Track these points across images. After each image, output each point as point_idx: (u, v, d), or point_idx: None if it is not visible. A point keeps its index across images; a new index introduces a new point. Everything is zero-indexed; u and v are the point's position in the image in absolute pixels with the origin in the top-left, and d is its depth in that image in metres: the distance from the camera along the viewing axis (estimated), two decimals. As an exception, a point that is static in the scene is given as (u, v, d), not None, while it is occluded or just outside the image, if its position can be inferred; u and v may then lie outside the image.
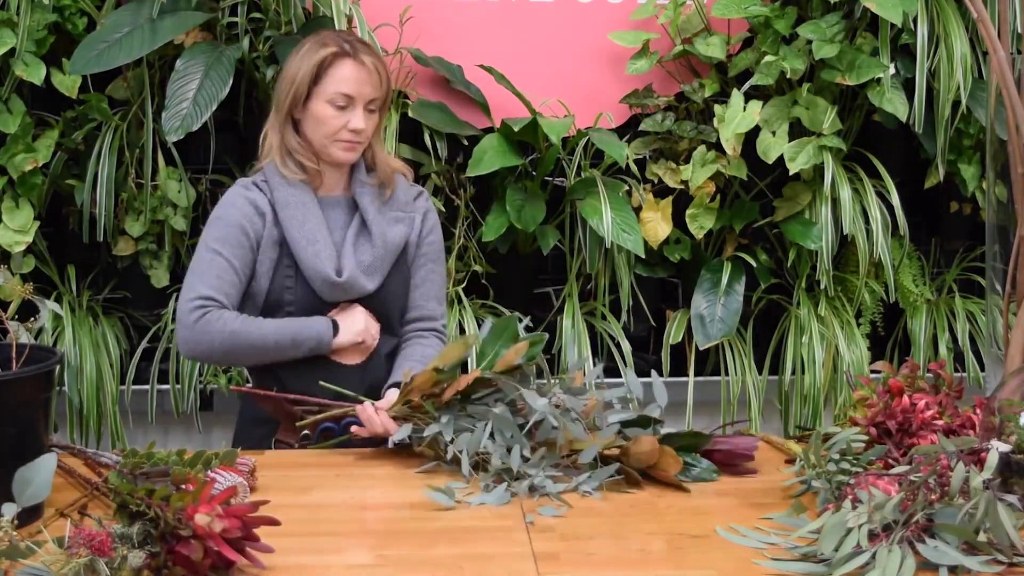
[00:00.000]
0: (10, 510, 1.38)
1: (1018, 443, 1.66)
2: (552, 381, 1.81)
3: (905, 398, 1.77)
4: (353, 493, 1.71)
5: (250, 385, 2.15)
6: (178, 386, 2.82)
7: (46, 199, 2.80)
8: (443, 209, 2.83)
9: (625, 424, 1.77)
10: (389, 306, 2.16)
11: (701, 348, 2.94)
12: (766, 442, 1.96)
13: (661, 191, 2.99)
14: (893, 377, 1.81)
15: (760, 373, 3.02)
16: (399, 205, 2.18)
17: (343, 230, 2.14)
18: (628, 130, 3.02)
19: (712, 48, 2.89)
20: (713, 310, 2.94)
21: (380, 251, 2.12)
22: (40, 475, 1.41)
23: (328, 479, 1.77)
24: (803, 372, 2.95)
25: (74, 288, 2.87)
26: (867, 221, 2.92)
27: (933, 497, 1.42)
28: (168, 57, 2.76)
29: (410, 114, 2.83)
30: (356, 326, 2.09)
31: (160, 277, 2.86)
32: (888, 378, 1.81)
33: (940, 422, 1.75)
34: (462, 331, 2.75)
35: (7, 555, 1.31)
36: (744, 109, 2.85)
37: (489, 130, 2.88)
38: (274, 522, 1.42)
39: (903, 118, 2.84)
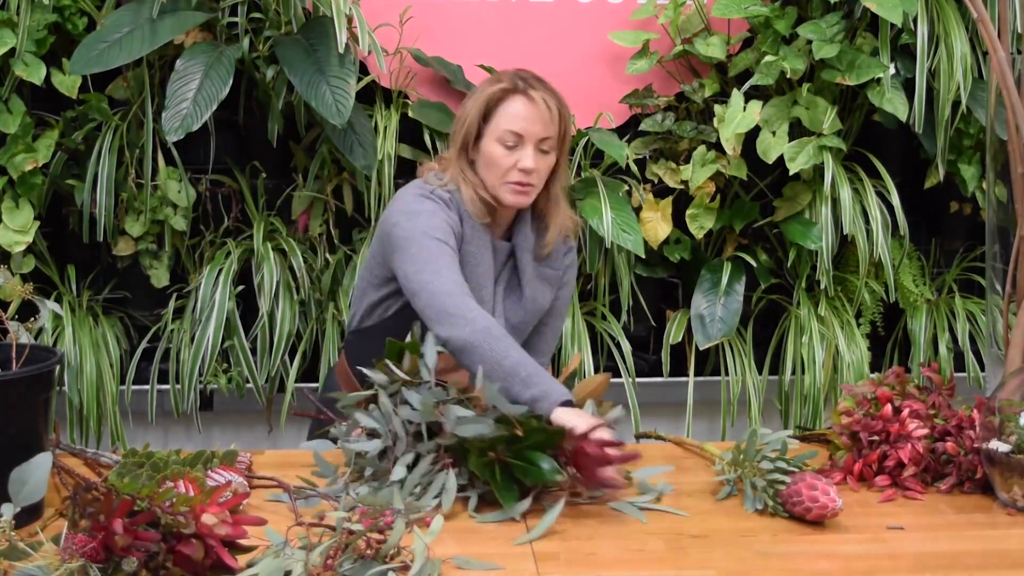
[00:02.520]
0: (9, 510, 1.38)
1: (1018, 443, 1.66)
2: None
3: (887, 407, 1.78)
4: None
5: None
6: (178, 386, 2.82)
7: (46, 199, 2.80)
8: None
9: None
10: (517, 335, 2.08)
11: (701, 348, 2.94)
12: (677, 445, 1.96)
13: (661, 191, 2.99)
14: (879, 388, 1.82)
15: (760, 373, 3.02)
16: (552, 263, 2.12)
17: (494, 276, 2.06)
18: (628, 130, 3.02)
19: (712, 48, 2.89)
20: (713, 310, 2.94)
21: (529, 316, 2.08)
22: (35, 475, 1.41)
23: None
24: (803, 372, 2.95)
25: (74, 288, 2.87)
26: (867, 221, 2.92)
27: (368, 552, 1.37)
28: (168, 57, 2.76)
29: (410, 114, 2.83)
30: (586, 414, 1.78)
31: (160, 277, 2.86)
32: (871, 395, 1.82)
33: (923, 431, 1.75)
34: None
35: (6, 556, 1.31)
36: (744, 109, 2.85)
37: (489, 130, 2.88)
38: (261, 521, 1.42)
39: (903, 118, 2.84)
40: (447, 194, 2.02)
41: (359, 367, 1.87)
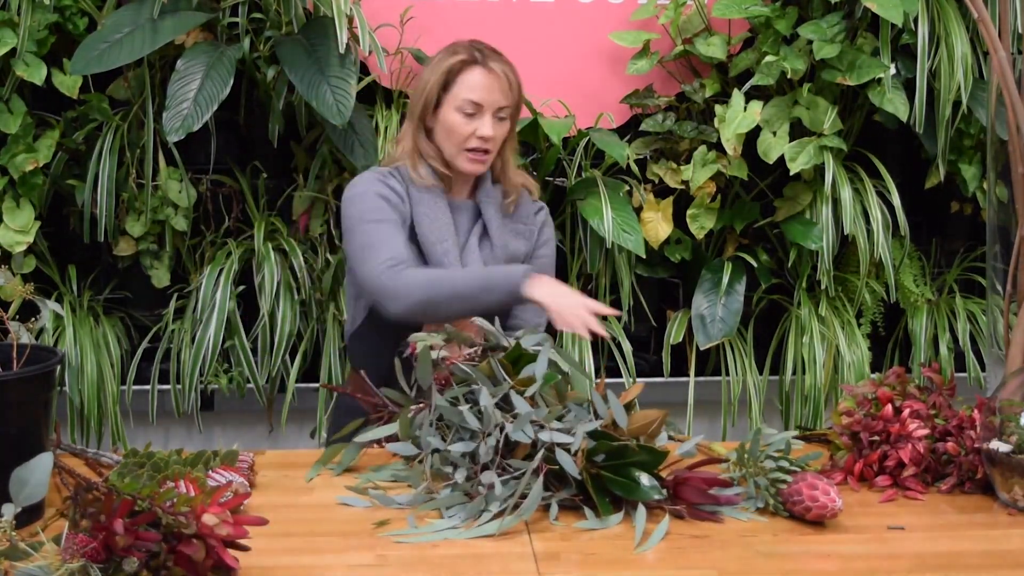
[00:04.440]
0: (9, 510, 1.38)
1: (1018, 443, 1.66)
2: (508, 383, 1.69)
3: (888, 408, 1.78)
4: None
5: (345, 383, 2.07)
6: (179, 386, 2.82)
7: (47, 199, 2.80)
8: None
9: (593, 436, 1.65)
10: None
11: (702, 348, 2.94)
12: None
13: (662, 191, 2.99)
14: (880, 388, 1.82)
15: (761, 373, 3.02)
16: (521, 218, 2.22)
17: (467, 234, 2.16)
18: (629, 130, 3.02)
19: (713, 48, 2.89)
20: (714, 310, 2.94)
21: (500, 260, 2.14)
22: (36, 475, 1.41)
23: (329, 478, 1.77)
24: (804, 372, 2.95)
25: (75, 288, 2.87)
26: (868, 221, 2.92)
27: None
28: (169, 57, 2.76)
29: (411, 114, 2.83)
30: (559, 288, 1.97)
31: (161, 277, 2.86)
32: (872, 395, 1.83)
33: (924, 431, 1.75)
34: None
35: (6, 556, 1.31)
36: (745, 109, 2.85)
37: (490, 130, 2.88)
38: (262, 521, 1.42)
39: (904, 118, 2.84)
40: (386, 168, 2.15)
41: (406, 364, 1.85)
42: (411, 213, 2.12)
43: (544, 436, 1.60)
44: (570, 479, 1.61)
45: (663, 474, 1.65)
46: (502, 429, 1.62)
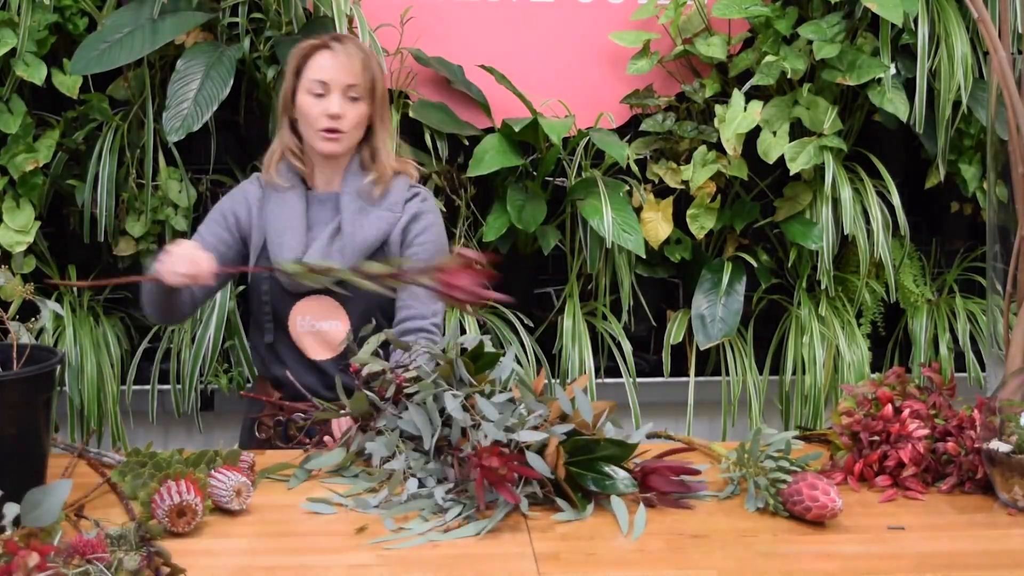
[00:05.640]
0: (11, 511, 1.38)
1: (1018, 443, 1.66)
2: (475, 385, 1.72)
3: (888, 408, 1.78)
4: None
5: (250, 387, 2.15)
6: (179, 386, 2.82)
7: (47, 199, 2.80)
8: (444, 209, 2.83)
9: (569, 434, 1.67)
10: (364, 304, 2.11)
11: (702, 348, 2.94)
12: (686, 444, 1.97)
13: (662, 191, 2.99)
14: (880, 388, 1.82)
15: (761, 373, 3.02)
16: (386, 205, 2.17)
17: (325, 225, 2.15)
18: (629, 130, 3.02)
19: (713, 48, 2.89)
20: (714, 310, 2.94)
21: (352, 250, 2.11)
22: (51, 499, 1.40)
23: (324, 479, 1.76)
24: (804, 372, 2.95)
25: (75, 288, 2.87)
26: (868, 221, 2.92)
27: None
28: (169, 57, 2.76)
29: (411, 114, 2.83)
30: (178, 250, 1.99)
31: (161, 277, 2.86)
32: (872, 395, 1.83)
33: (924, 431, 1.75)
34: (462, 331, 2.75)
35: (3, 557, 1.31)
36: (745, 109, 2.85)
37: (490, 130, 2.88)
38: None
39: (904, 118, 2.84)
40: (260, 173, 2.22)
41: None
42: (260, 216, 2.16)
43: (516, 436, 1.62)
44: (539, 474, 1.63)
45: (629, 466, 1.69)
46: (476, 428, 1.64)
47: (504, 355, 1.78)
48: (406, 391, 1.74)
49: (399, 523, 1.58)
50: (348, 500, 1.65)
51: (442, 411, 1.70)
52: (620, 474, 1.66)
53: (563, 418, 1.69)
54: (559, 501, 1.63)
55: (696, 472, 1.71)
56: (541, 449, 1.62)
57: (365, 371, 1.79)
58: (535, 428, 1.65)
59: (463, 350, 1.77)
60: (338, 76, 2.12)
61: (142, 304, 2.14)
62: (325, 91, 2.12)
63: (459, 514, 1.59)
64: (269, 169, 2.18)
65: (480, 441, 1.62)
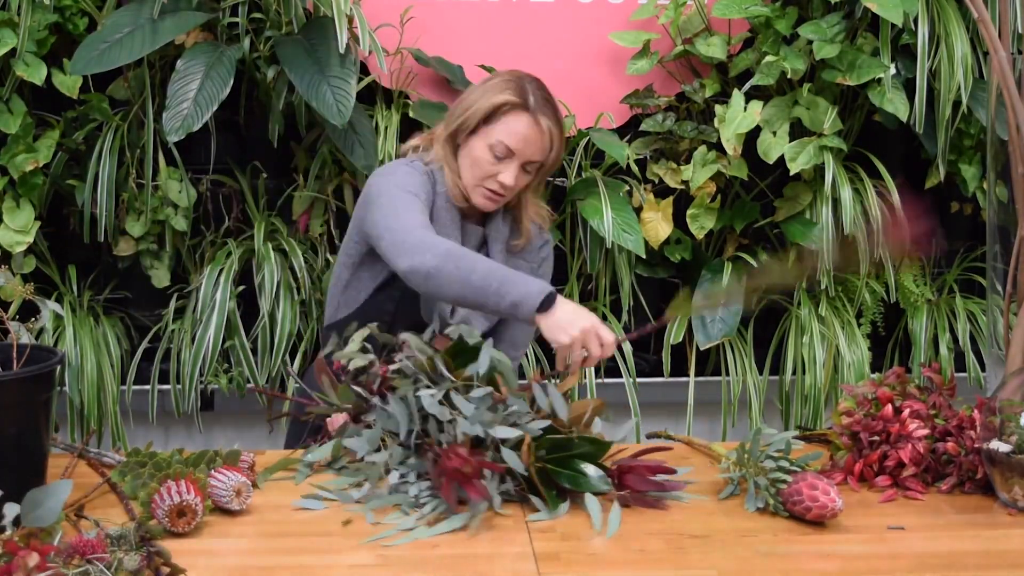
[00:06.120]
0: (11, 511, 1.38)
1: (1019, 443, 1.66)
2: (454, 381, 1.71)
3: (888, 408, 1.78)
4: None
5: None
6: (179, 386, 2.82)
7: (47, 199, 2.80)
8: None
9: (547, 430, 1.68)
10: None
11: (702, 348, 2.94)
12: (686, 444, 1.97)
13: (662, 191, 2.99)
14: (880, 388, 1.82)
15: (761, 373, 3.02)
16: (525, 255, 2.18)
17: None
18: (629, 130, 3.02)
19: (713, 48, 2.89)
20: (714, 310, 2.94)
21: None
22: (51, 500, 1.40)
23: (322, 478, 1.76)
24: (804, 372, 2.95)
25: (75, 288, 2.87)
26: (868, 221, 2.92)
27: None
28: (169, 57, 2.76)
29: (411, 114, 2.83)
30: (576, 324, 1.82)
31: (161, 277, 2.86)
32: (872, 395, 1.83)
33: (924, 431, 1.75)
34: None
35: (3, 557, 1.31)
36: (745, 109, 2.85)
37: (490, 130, 2.88)
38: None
39: (904, 118, 2.84)
40: (427, 168, 2.08)
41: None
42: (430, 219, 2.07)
43: (492, 432, 1.63)
44: (514, 471, 1.64)
45: (607, 464, 1.69)
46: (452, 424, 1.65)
47: (482, 347, 1.74)
48: (391, 384, 1.75)
49: (382, 517, 1.59)
50: (332, 494, 1.66)
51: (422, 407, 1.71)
52: (595, 472, 1.66)
53: (550, 416, 1.69)
54: (534, 500, 1.63)
55: (672, 471, 1.71)
56: (518, 444, 1.63)
57: (352, 366, 1.79)
58: (513, 424, 1.65)
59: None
60: (528, 151, 2.05)
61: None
62: (507, 156, 2.04)
63: (434, 508, 1.60)
64: (451, 188, 2.07)
65: (456, 436, 1.63)
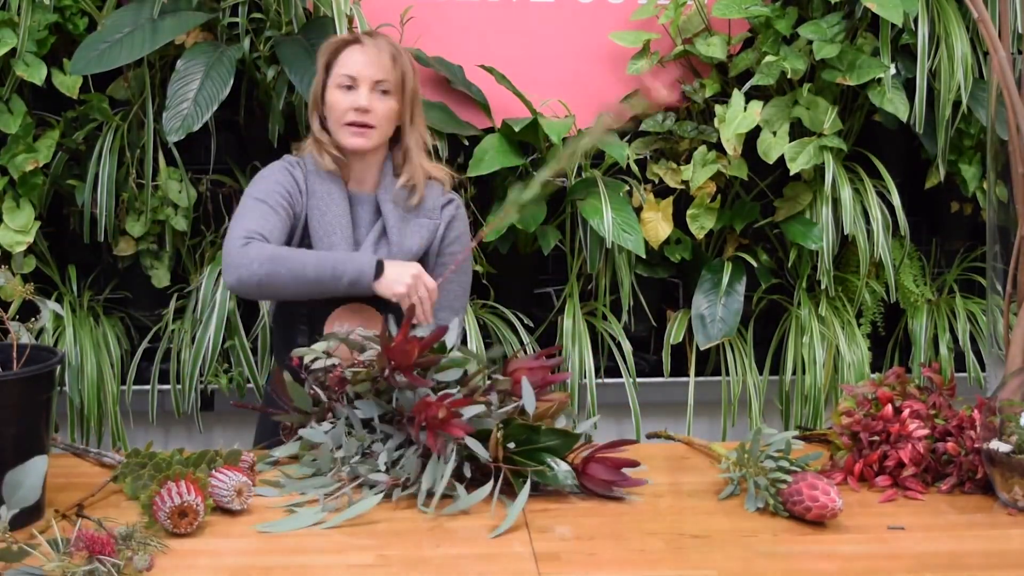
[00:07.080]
0: (7, 512, 1.38)
1: (1019, 443, 1.66)
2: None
3: (888, 408, 1.78)
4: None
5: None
6: (179, 386, 2.82)
7: (47, 199, 2.80)
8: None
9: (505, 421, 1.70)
10: (402, 313, 2.11)
11: (702, 348, 2.94)
12: (686, 444, 1.97)
13: (662, 191, 2.99)
14: (880, 388, 1.83)
15: (761, 373, 3.02)
16: (425, 212, 2.17)
17: (368, 227, 2.14)
18: (629, 130, 3.02)
19: (713, 48, 2.89)
20: (714, 310, 2.94)
21: (396, 257, 2.09)
22: (31, 478, 1.41)
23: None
24: (804, 372, 2.95)
25: (75, 288, 2.87)
26: (868, 221, 2.92)
27: None
28: (169, 57, 2.76)
29: (411, 114, 2.83)
30: (404, 276, 1.98)
31: (161, 277, 2.86)
32: (872, 395, 1.83)
33: (924, 431, 1.75)
34: (464, 336, 2.74)
35: (3, 557, 1.31)
36: (745, 109, 2.85)
37: (490, 130, 2.88)
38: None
39: (904, 118, 2.84)
40: (295, 157, 2.17)
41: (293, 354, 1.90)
42: (306, 206, 2.11)
43: (462, 411, 1.65)
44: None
45: (569, 458, 1.70)
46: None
47: (447, 341, 1.79)
48: (354, 378, 1.76)
49: (358, 495, 1.63)
50: (292, 482, 1.70)
51: (390, 400, 1.74)
52: (562, 467, 1.68)
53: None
54: (458, 486, 1.63)
55: (635, 464, 1.70)
56: (486, 436, 1.65)
57: (316, 365, 1.83)
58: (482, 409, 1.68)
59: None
60: (367, 70, 2.10)
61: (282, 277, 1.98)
62: (354, 84, 2.10)
63: (403, 467, 1.64)
64: (318, 156, 2.13)
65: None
